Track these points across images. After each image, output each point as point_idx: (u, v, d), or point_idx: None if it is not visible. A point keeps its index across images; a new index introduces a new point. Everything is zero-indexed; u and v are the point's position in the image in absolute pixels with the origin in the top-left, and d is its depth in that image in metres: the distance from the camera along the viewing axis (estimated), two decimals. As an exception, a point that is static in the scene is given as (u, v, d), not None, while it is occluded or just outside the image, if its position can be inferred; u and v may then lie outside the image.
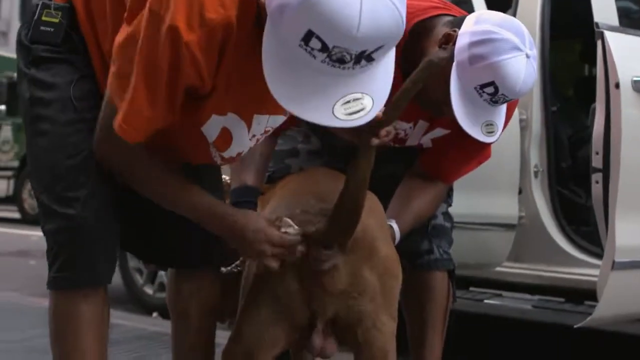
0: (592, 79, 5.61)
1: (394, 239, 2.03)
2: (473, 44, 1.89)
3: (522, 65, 1.86)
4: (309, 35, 1.27)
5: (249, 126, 1.69)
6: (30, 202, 11.16)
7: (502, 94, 1.90)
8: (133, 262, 4.70)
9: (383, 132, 1.52)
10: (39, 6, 1.76)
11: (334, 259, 1.66)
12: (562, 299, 4.14)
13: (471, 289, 4.33)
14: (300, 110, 1.35)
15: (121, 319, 4.00)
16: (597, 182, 2.94)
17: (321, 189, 1.83)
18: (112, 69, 1.59)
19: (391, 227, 2.05)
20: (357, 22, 1.24)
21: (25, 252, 7.70)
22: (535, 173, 3.98)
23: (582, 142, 4.44)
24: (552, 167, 4.01)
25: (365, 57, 1.30)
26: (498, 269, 3.99)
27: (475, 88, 1.90)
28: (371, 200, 1.86)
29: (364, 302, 1.70)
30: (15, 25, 27.72)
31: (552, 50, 4.20)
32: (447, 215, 2.41)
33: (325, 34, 1.26)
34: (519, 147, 3.88)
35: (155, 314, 4.52)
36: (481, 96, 1.91)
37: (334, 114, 1.33)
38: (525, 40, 1.89)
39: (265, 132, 1.75)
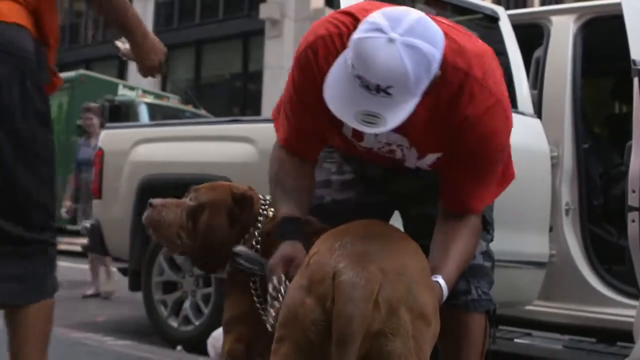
0: (624, 116, 5.59)
1: (440, 296, 1.90)
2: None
3: (380, 47, 1.74)
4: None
5: None
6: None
7: (367, 78, 1.77)
8: (158, 295, 4.69)
9: None
10: None
11: None
12: (593, 340, 4.06)
13: (501, 327, 4.27)
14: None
15: (146, 352, 3.97)
16: (633, 220, 2.89)
17: (362, 232, 1.81)
18: None
19: (437, 283, 1.91)
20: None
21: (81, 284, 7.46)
22: (567, 211, 3.93)
23: (614, 180, 4.38)
24: (584, 205, 3.96)
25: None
26: (528, 307, 3.94)
27: (354, 75, 1.79)
28: (415, 246, 1.85)
29: (395, 342, 1.67)
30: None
31: (583, 87, 4.17)
32: (487, 255, 2.32)
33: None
34: (550, 184, 3.84)
35: (179, 347, 4.48)
36: (356, 81, 1.79)
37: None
38: (400, 26, 1.76)
39: None
